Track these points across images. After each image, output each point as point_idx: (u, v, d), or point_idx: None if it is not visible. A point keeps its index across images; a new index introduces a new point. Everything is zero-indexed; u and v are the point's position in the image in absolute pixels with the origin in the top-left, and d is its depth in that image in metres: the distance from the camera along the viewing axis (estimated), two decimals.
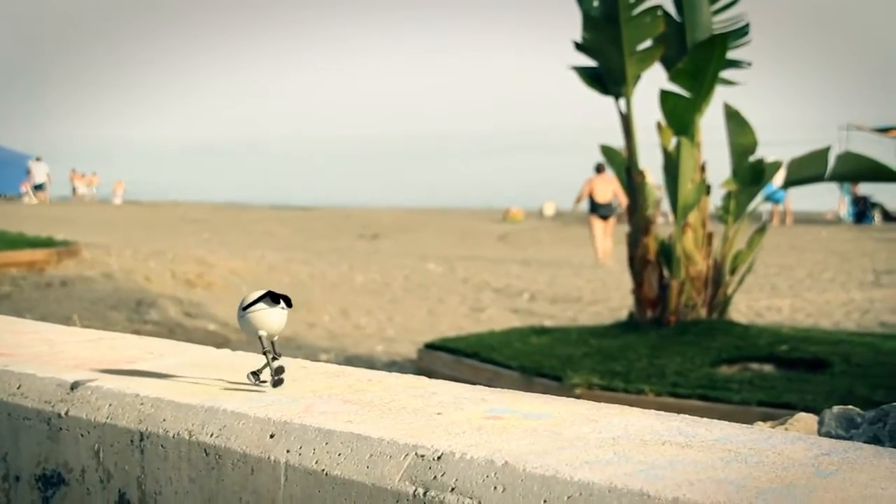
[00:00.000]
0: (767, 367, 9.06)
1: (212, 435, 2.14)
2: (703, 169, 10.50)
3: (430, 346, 10.36)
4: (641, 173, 10.78)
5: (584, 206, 21.39)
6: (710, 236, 10.55)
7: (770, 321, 12.91)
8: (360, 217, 32.82)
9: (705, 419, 2.01)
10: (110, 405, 2.36)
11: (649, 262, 10.49)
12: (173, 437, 2.20)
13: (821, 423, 2.53)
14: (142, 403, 2.31)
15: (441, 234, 27.38)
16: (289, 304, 2.25)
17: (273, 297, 2.23)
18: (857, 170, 10.70)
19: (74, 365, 2.67)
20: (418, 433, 1.93)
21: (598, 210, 20.79)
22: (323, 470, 1.95)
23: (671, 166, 10.39)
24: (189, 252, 19.82)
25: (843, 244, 23.06)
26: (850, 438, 2.47)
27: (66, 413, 2.42)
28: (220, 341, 11.17)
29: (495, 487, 1.74)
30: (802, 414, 2.83)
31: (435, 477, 1.81)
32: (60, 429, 2.43)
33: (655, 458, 1.75)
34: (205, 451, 2.14)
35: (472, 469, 1.78)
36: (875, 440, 2.43)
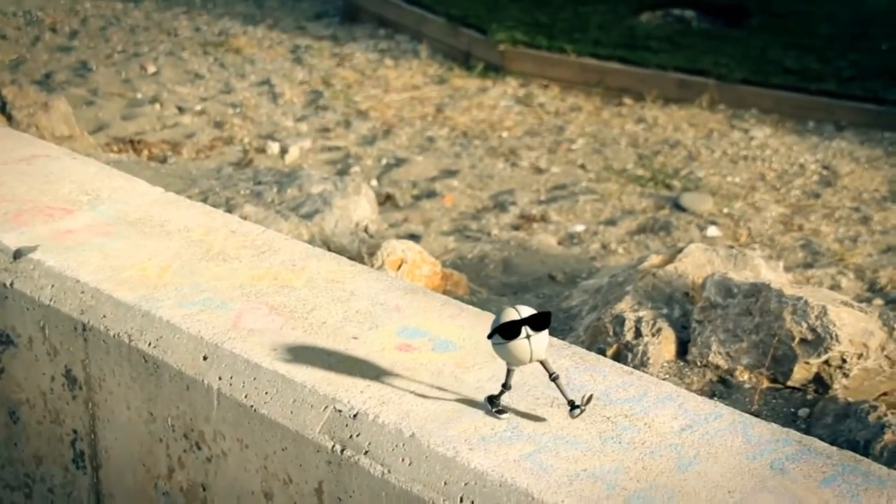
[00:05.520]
0: (689, 13, 9.22)
1: (149, 344, 2.35)
2: None
3: None
4: None
5: None
6: None
7: None
8: None
9: (592, 357, 2.25)
10: (53, 286, 2.54)
11: None
12: (114, 337, 2.40)
13: (703, 287, 2.79)
14: (83, 292, 2.50)
15: None
16: (545, 324, 1.93)
17: (529, 322, 1.92)
18: None
19: (13, 213, 2.82)
20: (336, 380, 2.16)
21: None
22: (252, 406, 2.18)
23: None
24: None
25: None
26: (726, 308, 2.74)
27: (11, 284, 2.60)
28: None
29: (403, 459, 1.99)
30: (693, 247, 3.08)
31: (351, 436, 2.06)
32: (6, 297, 2.62)
33: (545, 436, 2.00)
34: (143, 357, 2.36)
35: (384, 436, 2.03)
36: (747, 314, 2.70)
